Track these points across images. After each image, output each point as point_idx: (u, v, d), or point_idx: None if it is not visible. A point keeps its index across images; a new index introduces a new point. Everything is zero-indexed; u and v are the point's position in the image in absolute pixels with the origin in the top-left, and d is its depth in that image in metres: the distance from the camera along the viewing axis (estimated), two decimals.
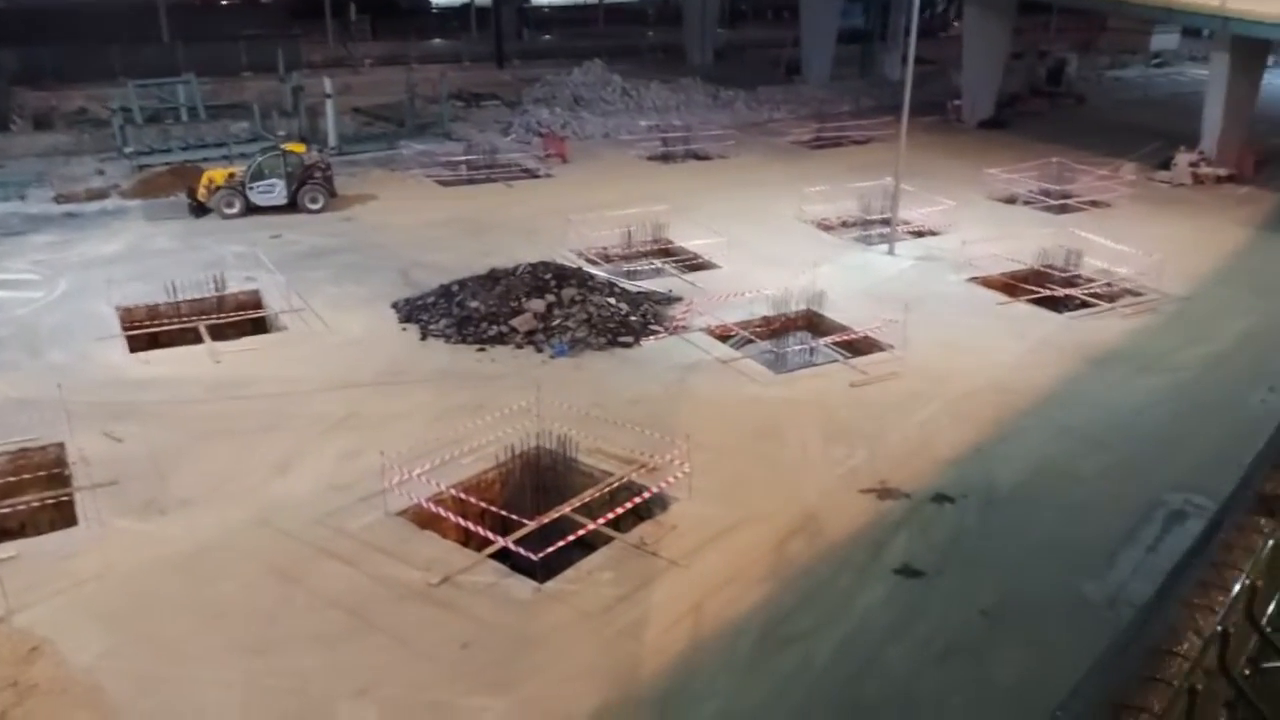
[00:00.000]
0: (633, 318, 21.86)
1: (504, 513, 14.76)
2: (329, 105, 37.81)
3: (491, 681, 11.70)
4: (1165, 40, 69.18)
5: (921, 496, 15.63)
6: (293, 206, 29.80)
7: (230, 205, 29.31)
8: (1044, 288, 24.46)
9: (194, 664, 11.91)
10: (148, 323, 21.93)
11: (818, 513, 15.13)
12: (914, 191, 29.41)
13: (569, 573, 13.65)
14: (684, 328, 21.74)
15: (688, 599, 13.10)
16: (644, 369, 20.03)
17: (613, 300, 22.34)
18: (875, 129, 42.31)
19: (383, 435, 16.58)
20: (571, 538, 14.23)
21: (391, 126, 42.14)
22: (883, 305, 22.45)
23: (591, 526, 14.42)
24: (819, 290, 22.74)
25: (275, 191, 29.61)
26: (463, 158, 36.50)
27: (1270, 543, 6.24)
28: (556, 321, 21.29)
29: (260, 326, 22.50)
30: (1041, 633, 12.61)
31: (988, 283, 25.18)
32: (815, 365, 20.89)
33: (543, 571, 13.56)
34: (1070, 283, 24.78)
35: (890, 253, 27.12)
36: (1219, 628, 5.29)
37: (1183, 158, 36.06)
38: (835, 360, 20.91)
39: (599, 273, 24.44)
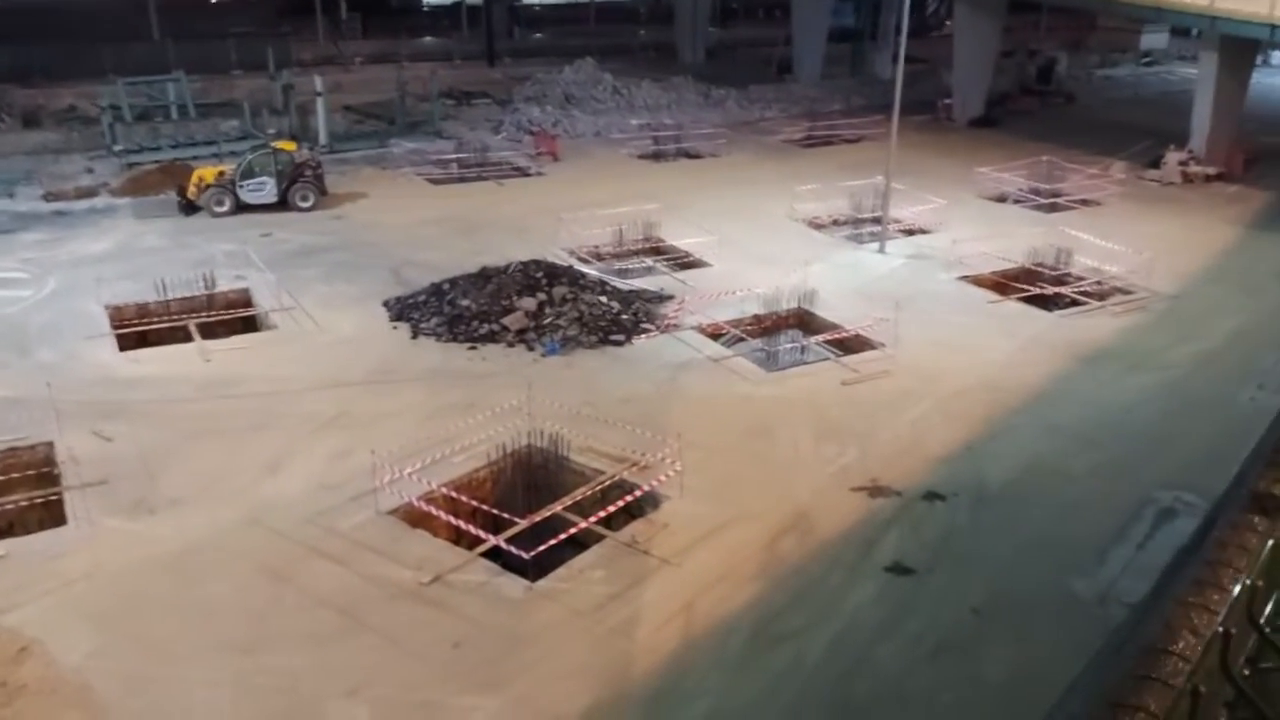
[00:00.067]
0: (624, 316, 21.86)
1: (495, 511, 14.76)
2: (319, 103, 37.65)
3: (482, 680, 11.68)
4: (1155, 39, 69.42)
5: (912, 495, 15.66)
6: (283, 205, 29.69)
7: (220, 203, 29.18)
8: (1034, 286, 24.51)
9: (183, 664, 11.86)
10: (137, 321, 21.81)
11: (809, 511, 15.15)
12: (905, 190, 29.48)
13: (560, 571, 13.64)
14: (675, 326, 21.74)
15: (679, 597, 13.10)
16: (635, 367, 20.03)
17: (604, 299, 22.33)
18: (866, 127, 42.36)
19: (374, 434, 16.54)
20: (563, 536, 14.21)
21: (382, 125, 42.00)
22: (874, 303, 22.47)
23: (583, 525, 14.40)
24: (810, 288, 22.76)
25: (265, 189, 29.51)
26: (454, 156, 36.37)
27: (1270, 543, 6.25)
28: (548, 320, 21.27)
29: (250, 325, 22.41)
30: (1032, 630, 12.65)
31: (978, 281, 25.23)
32: (806, 364, 20.90)
33: (534, 570, 13.55)
34: (1060, 281, 24.85)
35: (881, 251, 27.16)
36: (1220, 628, 5.29)
37: (1172, 156, 36.16)
38: (826, 359, 20.94)
39: (590, 271, 24.43)
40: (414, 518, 14.78)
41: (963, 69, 46.20)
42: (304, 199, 29.93)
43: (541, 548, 13.79)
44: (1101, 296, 24.34)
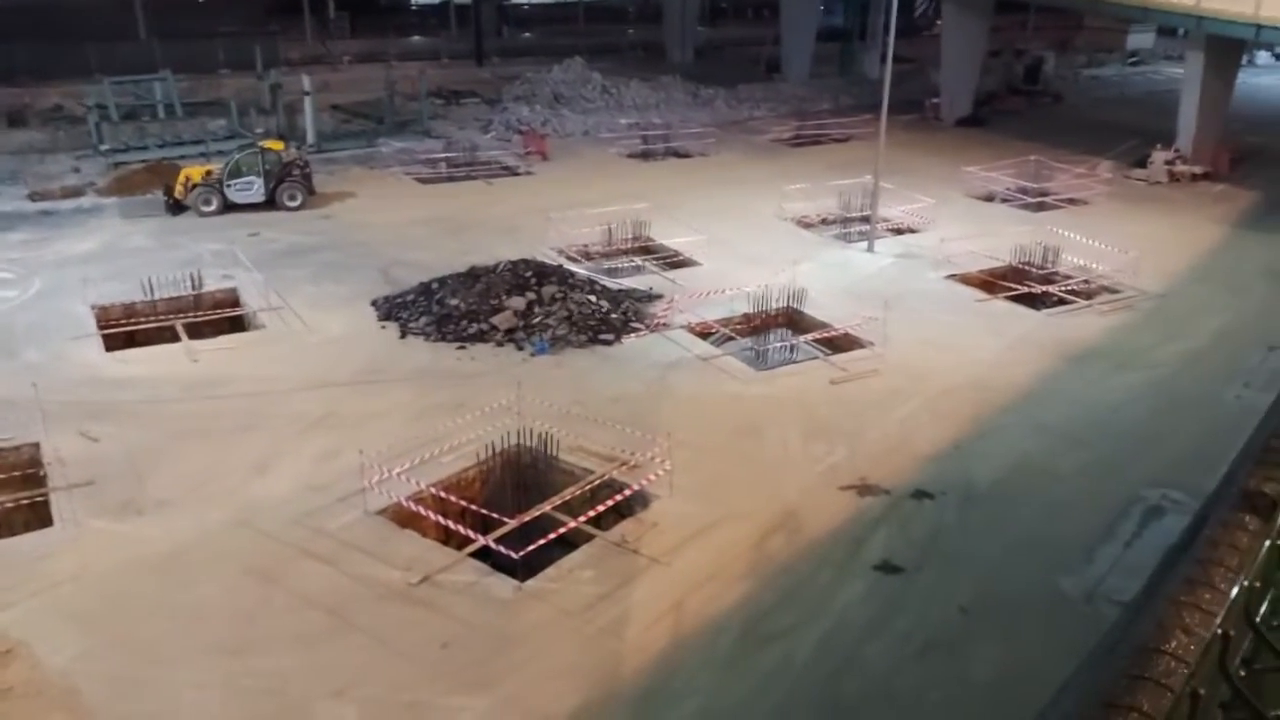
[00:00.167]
0: (613, 315, 21.85)
1: (484, 511, 14.72)
2: (307, 102, 37.52)
3: (471, 681, 11.66)
4: (1141, 39, 69.81)
5: (901, 493, 15.70)
6: (271, 204, 29.59)
7: (207, 203, 29.07)
8: (1022, 285, 24.60)
9: (171, 665, 11.81)
10: (124, 321, 21.69)
11: (798, 510, 15.17)
12: (893, 189, 29.56)
13: (550, 571, 13.63)
14: (665, 325, 21.75)
15: (668, 597, 13.11)
16: (625, 366, 20.03)
17: (593, 298, 22.32)
18: (854, 127, 42.42)
19: (362, 434, 16.50)
20: (552, 536, 14.20)
21: (370, 124, 41.88)
22: (862, 302, 22.52)
23: (572, 524, 14.39)
24: (799, 287, 22.79)
25: (253, 189, 29.41)
26: (442, 155, 36.29)
27: (1267, 543, 6.26)
28: (537, 319, 21.25)
29: (238, 325, 22.32)
30: (1019, 629, 12.70)
31: (966, 280, 25.32)
32: (795, 362, 20.92)
33: (523, 570, 13.53)
34: (1048, 280, 24.93)
35: (870, 250, 27.22)
36: (1219, 629, 5.29)
37: (1159, 156, 36.36)
38: (815, 357, 20.97)
39: (580, 270, 24.40)
40: (402, 518, 14.74)
41: (950, 69, 46.36)
42: (292, 198, 29.84)
43: (531, 547, 13.77)
44: (1089, 295, 24.46)
